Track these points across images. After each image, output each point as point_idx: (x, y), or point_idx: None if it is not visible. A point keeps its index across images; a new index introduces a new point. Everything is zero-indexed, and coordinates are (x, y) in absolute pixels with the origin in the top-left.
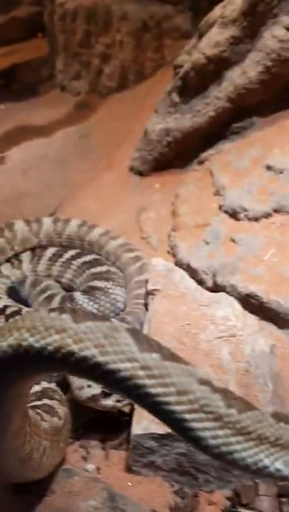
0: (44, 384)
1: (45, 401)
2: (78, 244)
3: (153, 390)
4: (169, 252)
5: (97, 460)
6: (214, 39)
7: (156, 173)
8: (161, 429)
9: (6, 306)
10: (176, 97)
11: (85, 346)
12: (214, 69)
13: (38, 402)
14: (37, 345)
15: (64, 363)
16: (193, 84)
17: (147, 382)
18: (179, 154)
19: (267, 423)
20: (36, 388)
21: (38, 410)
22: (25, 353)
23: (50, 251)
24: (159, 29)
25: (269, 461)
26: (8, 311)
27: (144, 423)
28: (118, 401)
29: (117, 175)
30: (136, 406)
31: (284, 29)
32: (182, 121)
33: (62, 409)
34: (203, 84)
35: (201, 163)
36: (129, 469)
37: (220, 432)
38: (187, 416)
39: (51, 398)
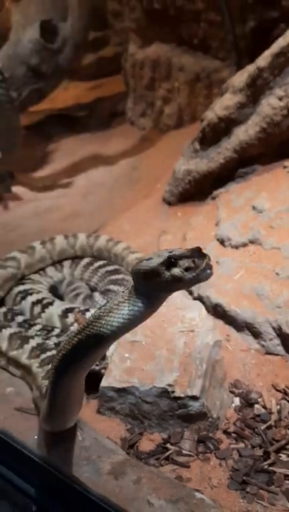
0: (54, 352)
1: None
2: (106, 256)
3: None
4: None
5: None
6: (225, 103)
7: (181, 204)
8: (120, 384)
9: (43, 298)
10: (197, 145)
11: None
12: (225, 126)
13: None
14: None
15: None
16: (209, 137)
17: None
18: (197, 190)
19: None
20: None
21: None
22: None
23: (84, 260)
24: (209, 80)
25: None
26: (44, 302)
27: (109, 379)
28: (96, 365)
29: (152, 203)
30: (108, 368)
31: (277, 99)
32: (200, 165)
33: None
34: (216, 138)
35: (213, 198)
36: (98, 412)
37: None
38: None
39: None
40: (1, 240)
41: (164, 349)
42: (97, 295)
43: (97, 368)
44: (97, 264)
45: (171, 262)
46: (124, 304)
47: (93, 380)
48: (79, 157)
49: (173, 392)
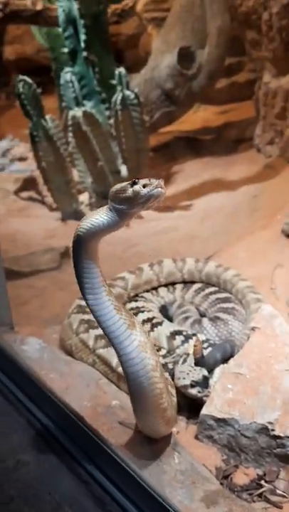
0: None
1: None
2: (215, 281)
3: None
4: (287, 303)
5: (179, 428)
6: None
7: None
8: (220, 414)
9: (154, 317)
10: None
11: None
12: None
13: None
14: None
15: None
16: None
17: None
18: None
19: None
20: None
21: None
22: None
23: (196, 285)
24: None
25: None
26: (154, 321)
27: (210, 408)
28: (199, 392)
29: (270, 234)
30: (210, 396)
31: None
32: None
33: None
34: None
35: None
36: (196, 438)
37: None
38: None
39: None
40: (119, 255)
41: (269, 386)
42: (205, 321)
43: (199, 395)
44: (208, 291)
45: (134, 182)
46: (98, 214)
47: (195, 406)
48: (201, 180)
49: (273, 430)
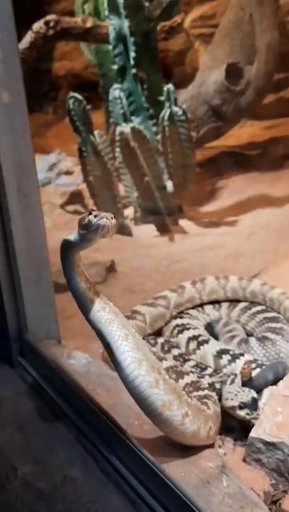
0: (206, 392)
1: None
2: (260, 299)
3: None
4: None
5: (227, 449)
6: None
7: None
8: (269, 438)
9: (200, 335)
10: None
11: None
12: None
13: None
14: None
15: None
16: None
17: None
18: None
19: None
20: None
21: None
22: None
23: (242, 303)
24: None
25: None
26: (200, 339)
27: (259, 430)
28: (247, 414)
29: None
30: (259, 419)
31: None
32: None
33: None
34: None
35: None
36: (244, 460)
37: None
38: None
39: (208, 399)
40: (164, 271)
41: None
42: (253, 341)
43: (248, 417)
44: (255, 309)
45: (90, 212)
46: (71, 234)
47: (243, 427)
48: (247, 196)
49: None
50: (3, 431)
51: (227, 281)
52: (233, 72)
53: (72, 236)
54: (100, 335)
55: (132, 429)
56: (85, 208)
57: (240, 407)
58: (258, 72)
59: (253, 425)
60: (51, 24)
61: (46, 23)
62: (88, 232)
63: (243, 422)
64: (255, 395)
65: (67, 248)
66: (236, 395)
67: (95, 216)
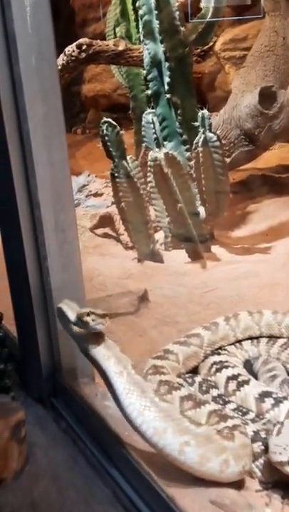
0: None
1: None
2: None
3: None
4: None
5: (274, 508)
6: None
7: None
8: None
9: (239, 374)
10: None
11: None
12: None
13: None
14: None
15: None
16: None
17: None
18: None
19: None
20: None
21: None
22: None
23: (282, 340)
24: None
25: None
26: (240, 378)
27: None
28: None
29: None
30: None
31: None
32: None
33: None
34: None
35: None
36: None
37: None
38: None
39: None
40: (197, 300)
41: None
42: None
43: None
44: None
45: (89, 314)
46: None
47: None
48: (279, 221)
49: None
50: (37, 482)
51: (261, 315)
52: (267, 96)
53: (70, 314)
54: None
55: (173, 483)
56: (116, 232)
57: None
58: None
59: None
60: (84, 47)
61: (79, 46)
62: (83, 327)
63: None
64: None
65: (62, 319)
66: (285, 448)
67: (93, 320)
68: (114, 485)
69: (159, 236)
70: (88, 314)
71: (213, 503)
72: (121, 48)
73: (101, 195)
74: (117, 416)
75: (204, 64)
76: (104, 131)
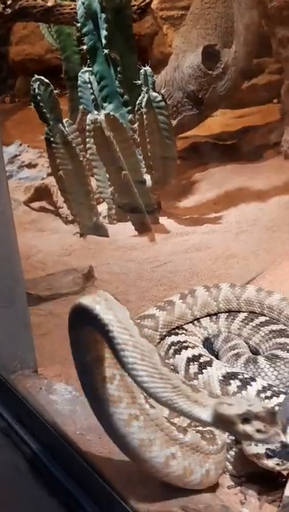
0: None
1: None
2: (257, 308)
3: None
4: None
5: (252, 508)
6: None
7: None
8: None
9: (200, 355)
10: None
11: None
12: None
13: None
14: None
15: None
16: None
17: None
18: None
19: None
20: None
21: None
22: None
23: (243, 314)
24: None
25: None
26: (201, 360)
27: None
28: (278, 464)
29: None
30: None
31: None
32: None
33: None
34: None
35: None
36: None
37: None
38: None
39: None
40: (147, 276)
41: None
42: (262, 360)
43: (278, 468)
44: (258, 321)
45: (246, 418)
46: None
47: (268, 477)
48: (227, 189)
49: None
50: None
51: (219, 290)
52: (210, 56)
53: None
54: None
55: (136, 488)
56: (54, 205)
57: (268, 456)
58: (236, 55)
59: (283, 476)
60: (9, 2)
61: (3, 2)
62: (239, 437)
63: (268, 471)
64: (284, 438)
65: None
66: None
67: (258, 431)
68: (63, 493)
69: (103, 208)
70: (246, 419)
71: (185, 509)
72: (50, 3)
73: (35, 166)
74: (65, 412)
75: (141, 24)
76: (36, 89)
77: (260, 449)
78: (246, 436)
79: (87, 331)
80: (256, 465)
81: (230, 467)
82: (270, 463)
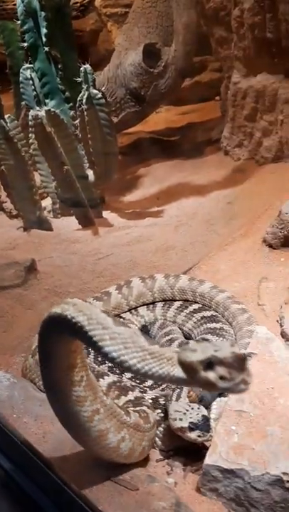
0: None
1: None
2: (190, 296)
3: None
4: (277, 321)
5: (177, 477)
6: None
7: (285, 248)
8: (227, 465)
9: None
10: None
11: None
12: None
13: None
14: None
15: None
16: None
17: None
18: None
19: None
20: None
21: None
22: None
23: (177, 303)
24: None
25: None
26: None
27: (214, 456)
28: (199, 436)
29: (250, 243)
30: (213, 441)
31: None
32: None
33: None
34: None
35: None
36: (198, 490)
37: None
38: None
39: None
40: (90, 268)
41: (276, 425)
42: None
43: (200, 439)
44: (192, 308)
45: (209, 363)
46: (163, 363)
47: (192, 449)
48: (169, 184)
49: (288, 482)
50: None
51: (154, 281)
52: (151, 54)
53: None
54: None
55: (67, 464)
56: None
57: (191, 429)
58: (176, 54)
59: (207, 448)
60: None
61: None
62: (203, 387)
63: (192, 444)
64: (205, 412)
65: None
66: (185, 413)
67: (222, 378)
68: (2, 473)
69: (47, 203)
70: (209, 364)
71: (113, 480)
72: None
73: None
74: (3, 398)
75: (85, 21)
76: None
77: (184, 423)
78: (209, 385)
79: (60, 342)
80: (182, 439)
81: (159, 442)
82: (193, 435)
